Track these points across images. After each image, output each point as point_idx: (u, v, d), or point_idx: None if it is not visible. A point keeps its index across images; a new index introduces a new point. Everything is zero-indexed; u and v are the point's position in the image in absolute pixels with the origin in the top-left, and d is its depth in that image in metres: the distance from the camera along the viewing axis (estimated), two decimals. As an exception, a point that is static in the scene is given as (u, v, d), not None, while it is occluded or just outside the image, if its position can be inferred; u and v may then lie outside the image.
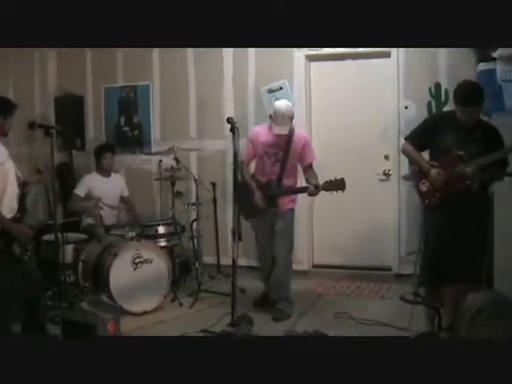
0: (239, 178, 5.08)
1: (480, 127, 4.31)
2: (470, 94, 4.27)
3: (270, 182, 5.30)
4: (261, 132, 5.37)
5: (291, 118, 5.18)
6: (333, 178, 5.00)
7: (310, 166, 5.36)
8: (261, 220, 5.40)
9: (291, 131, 5.23)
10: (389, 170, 6.34)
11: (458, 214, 4.28)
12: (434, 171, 4.39)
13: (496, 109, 5.11)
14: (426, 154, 4.64)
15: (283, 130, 5.14)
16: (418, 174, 4.61)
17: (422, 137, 4.56)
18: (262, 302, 5.65)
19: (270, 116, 5.19)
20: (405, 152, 4.70)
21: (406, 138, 4.71)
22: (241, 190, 5.22)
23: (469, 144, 4.28)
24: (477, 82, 4.51)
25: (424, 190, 4.52)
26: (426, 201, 4.52)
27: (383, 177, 6.43)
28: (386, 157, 6.42)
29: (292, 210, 5.45)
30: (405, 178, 5.76)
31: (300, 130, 5.46)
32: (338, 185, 4.98)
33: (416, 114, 5.99)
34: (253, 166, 5.53)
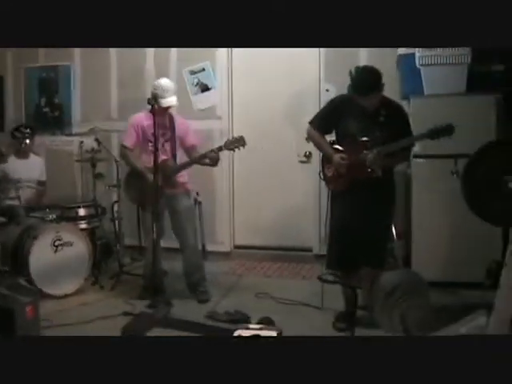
0: (127, 166, 5.20)
1: (384, 109, 4.24)
2: (365, 82, 4.17)
3: (166, 161, 5.18)
4: (143, 117, 5.29)
5: (173, 91, 5.19)
6: (231, 138, 4.96)
7: (194, 148, 5.35)
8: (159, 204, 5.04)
9: (171, 117, 5.30)
10: (309, 152, 6.41)
11: (362, 201, 4.29)
12: (337, 156, 4.33)
13: (415, 93, 5.26)
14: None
15: (170, 102, 5.13)
16: (323, 159, 4.62)
17: (325, 121, 4.46)
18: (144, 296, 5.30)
19: (149, 101, 4.92)
20: (309, 136, 4.60)
21: (309, 122, 4.57)
22: (130, 177, 5.28)
23: (373, 129, 4.25)
24: (372, 67, 4.25)
25: (329, 174, 4.52)
26: (331, 186, 4.52)
27: (304, 159, 6.50)
28: (307, 139, 6.38)
29: (189, 191, 5.44)
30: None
31: (178, 117, 5.47)
32: (238, 142, 4.88)
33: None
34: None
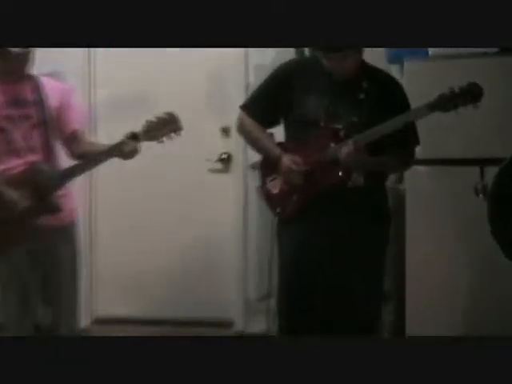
0: None
1: (366, 81, 2.73)
2: None
3: (35, 165, 2.92)
4: None
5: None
6: (154, 118, 2.85)
7: (76, 138, 3.09)
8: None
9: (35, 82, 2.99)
10: (228, 155, 4.32)
11: (334, 232, 2.72)
12: (287, 159, 2.74)
13: (410, 54, 3.37)
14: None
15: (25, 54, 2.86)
16: (264, 165, 2.98)
17: (267, 104, 2.88)
18: None
19: None
20: (242, 129, 2.98)
21: (242, 107, 2.96)
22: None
23: (348, 110, 2.71)
24: None
25: (274, 191, 2.85)
26: (278, 209, 2.84)
27: (218, 166, 4.34)
28: (225, 130, 4.32)
29: (73, 224, 3.12)
30: (253, 167, 3.72)
31: (49, 79, 3.12)
32: (167, 124, 2.87)
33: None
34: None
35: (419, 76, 3.21)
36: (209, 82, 4.32)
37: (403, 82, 2.97)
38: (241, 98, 3.20)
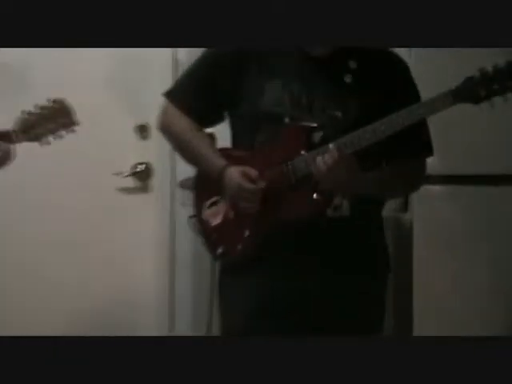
0: None
1: (355, 59, 1.88)
2: None
3: None
4: None
5: None
6: (35, 109, 2.07)
7: None
8: None
9: None
10: (144, 166, 3.16)
11: (303, 290, 1.85)
12: (234, 174, 1.89)
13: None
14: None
15: None
16: (200, 182, 2.07)
17: (205, 92, 2.00)
18: None
19: None
20: (166, 128, 2.07)
21: (167, 95, 2.05)
22: None
23: (327, 101, 1.88)
24: None
25: (214, 221, 1.99)
26: (220, 249, 1.97)
27: (132, 181, 3.16)
28: (142, 129, 3.15)
29: None
30: (183, 185, 2.97)
31: None
32: (55, 115, 2.10)
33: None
34: None
35: (432, 59, 2.30)
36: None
37: (410, 66, 2.05)
38: (165, 85, 2.18)
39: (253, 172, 1.81)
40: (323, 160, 1.70)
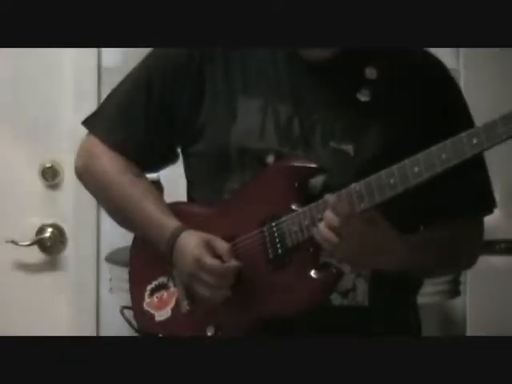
0: None
1: (374, 65, 1.29)
2: None
3: None
4: None
5: None
6: None
7: None
8: None
9: None
10: (52, 229, 2.31)
11: None
12: (193, 241, 1.26)
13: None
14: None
15: None
16: (136, 253, 1.43)
17: (146, 119, 1.36)
18: None
19: None
20: (86, 173, 1.41)
21: (88, 124, 1.40)
22: None
23: (333, 128, 1.27)
24: None
25: (159, 316, 1.36)
26: None
27: (34, 253, 2.30)
28: (50, 174, 2.28)
29: None
30: (112, 260, 2.10)
31: None
32: None
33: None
34: None
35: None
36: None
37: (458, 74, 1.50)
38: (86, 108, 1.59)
39: (221, 244, 1.23)
40: (328, 219, 1.13)
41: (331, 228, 1.13)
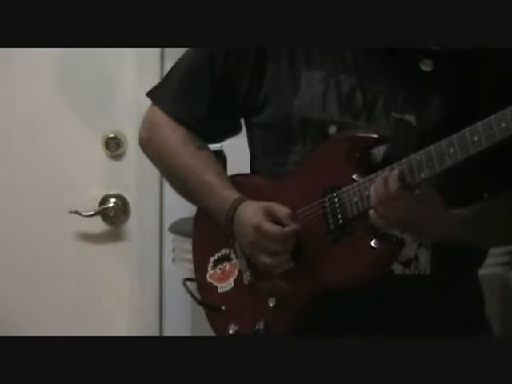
0: None
1: None
2: None
3: None
4: None
5: None
6: None
7: None
8: None
9: None
10: (116, 200, 2.31)
11: None
12: (253, 210, 1.28)
13: None
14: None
15: None
16: (199, 225, 1.45)
17: (209, 91, 1.37)
18: None
19: None
20: (149, 144, 1.43)
21: (152, 96, 1.42)
22: None
23: (394, 99, 1.27)
24: None
25: (221, 288, 1.39)
26: (231, 329, 1.41)
27: (98, 223, 2.31)
28: (114, 145, 2.25)
29: None
30: (175, 230, 2.13)
31: None
32: None
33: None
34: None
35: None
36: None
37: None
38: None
39: (281, 209, 1.23)
40: (387, 188, 1.14)
41: (390, 194, 1.13)
